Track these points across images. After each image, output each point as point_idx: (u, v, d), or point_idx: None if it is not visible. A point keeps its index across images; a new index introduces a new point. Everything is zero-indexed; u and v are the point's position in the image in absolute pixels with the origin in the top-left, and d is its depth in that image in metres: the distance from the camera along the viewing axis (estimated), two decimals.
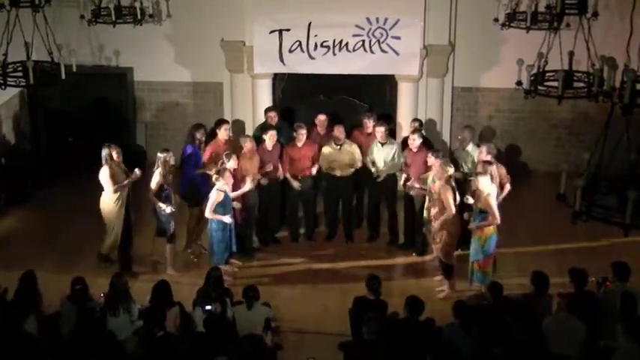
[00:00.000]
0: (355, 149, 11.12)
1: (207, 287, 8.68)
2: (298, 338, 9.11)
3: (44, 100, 13.43)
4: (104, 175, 10.15)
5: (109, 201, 10.25)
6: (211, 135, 11.30)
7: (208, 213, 9.94)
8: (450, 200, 9.63)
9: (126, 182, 10.25)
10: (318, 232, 11.65)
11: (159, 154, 10.24)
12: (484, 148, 10.34)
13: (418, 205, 10.65)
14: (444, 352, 7.11)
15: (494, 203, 9.42)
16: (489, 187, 9.47)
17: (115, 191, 10.15)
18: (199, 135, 11.05)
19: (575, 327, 7.55)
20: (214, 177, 9.98)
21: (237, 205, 10.29)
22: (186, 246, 11.05)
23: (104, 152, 10.24)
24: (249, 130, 12.41)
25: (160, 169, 10.14)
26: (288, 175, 11.05)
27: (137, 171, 10.28)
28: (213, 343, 7.49)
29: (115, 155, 10.24)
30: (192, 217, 10.95)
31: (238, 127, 12.67)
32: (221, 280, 8.90)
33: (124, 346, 7.80)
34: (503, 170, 10.30)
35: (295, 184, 11.07)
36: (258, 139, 11.07)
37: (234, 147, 10.95)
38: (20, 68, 9.34)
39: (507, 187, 10.20)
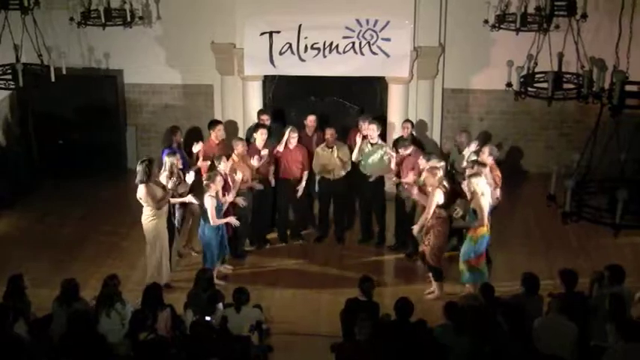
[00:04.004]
0: (346, 151, 11.11)
1: (198, 289, 8.68)
2: (289, 340, 9.09)
3: (34, 103, 13.38)
4: (142, 194, 9.63)
5: (149, 218, 9.78)
6: (188, 139, 11.33)
7: (213, 221, 9.82)
8: (433, 204, 9.58)
9: (169, 193, 9.85)
10: (308, 234, 11.64)
11: (166, 159, 10.20)
12: (486, 149, 10.31)
13: (409, 207, 10.67)
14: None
15: (485, 205, 9.40)
16: (484, 188, 9.43)
17: (159, 208, 9.69)
18: (177, 137, 11.05)
19: (566, 327, 7.57)
20: (204, 183, 9.94)
21: (240, 200, 10.31)
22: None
23: (140, 168, 9.63)
24: (240, 133, 12.41)
25: (166, 173, 10.09)
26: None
27: (190, 176, 10.08)
28: (203, 345, 7.46)
29: (155, 171, 9.78)
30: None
31: (229, 129, 12.64)
32: (212, 282, 8.88)
33: (116, 349, 7.77)
34: (498, 173, 10.27)
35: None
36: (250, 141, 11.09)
37: (225, 148, 10.96)
38: (9, 71, 9.32)
39: (497, 193, 10.12)
